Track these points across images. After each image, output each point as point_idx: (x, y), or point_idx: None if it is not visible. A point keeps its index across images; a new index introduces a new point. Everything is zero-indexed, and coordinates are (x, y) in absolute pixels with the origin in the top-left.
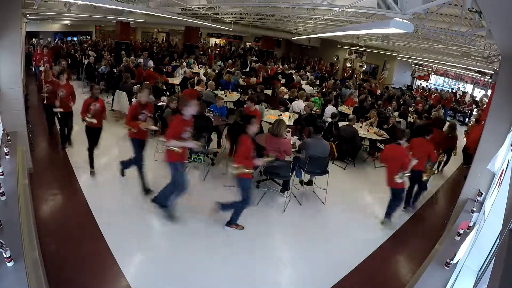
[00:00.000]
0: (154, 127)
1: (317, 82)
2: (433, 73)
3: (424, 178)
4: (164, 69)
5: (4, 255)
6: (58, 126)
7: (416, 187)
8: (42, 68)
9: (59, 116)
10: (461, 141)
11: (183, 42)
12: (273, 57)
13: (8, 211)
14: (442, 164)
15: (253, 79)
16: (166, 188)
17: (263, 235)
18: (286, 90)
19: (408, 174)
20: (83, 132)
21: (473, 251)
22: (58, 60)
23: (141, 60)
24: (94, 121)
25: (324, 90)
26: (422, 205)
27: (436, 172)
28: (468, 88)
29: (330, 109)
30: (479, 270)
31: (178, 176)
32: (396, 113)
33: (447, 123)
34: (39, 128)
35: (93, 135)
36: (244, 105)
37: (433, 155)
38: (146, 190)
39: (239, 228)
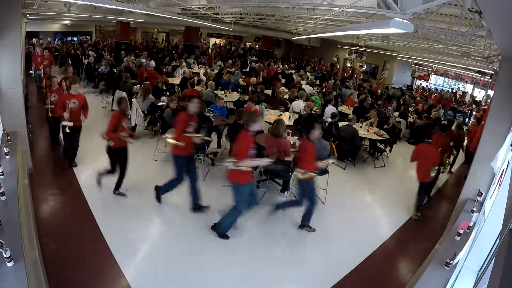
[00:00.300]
0: (207, 138)
1: (317, 82)
2: (433, 73)
3: (442, 171)
4: (164, 69)
5: (4, 255)
6: (62, 143)
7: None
8: (40, 72)
9: (68, 131)
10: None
11: (183, 42)
12: (273, 57)
13: (8, 211)
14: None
15: (253, 79)
16: (230, 214)
17: (263, 235)
18: (286, 90)
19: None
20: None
21: (473, 251)
22: (58, 60)
23: (143, 60)
24: (131, 140)
25: (324, 90)
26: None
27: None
28: (468, 88)
29: (330, 109)
30: (479, 270)
31: (241, 199)
32: (396, 113)
33: (455, 122)
34: (39, 128)
35: (119, 157)
36: (244, 105)
37: (451, 150)
38: (197, 207)
39: (311, 231)
